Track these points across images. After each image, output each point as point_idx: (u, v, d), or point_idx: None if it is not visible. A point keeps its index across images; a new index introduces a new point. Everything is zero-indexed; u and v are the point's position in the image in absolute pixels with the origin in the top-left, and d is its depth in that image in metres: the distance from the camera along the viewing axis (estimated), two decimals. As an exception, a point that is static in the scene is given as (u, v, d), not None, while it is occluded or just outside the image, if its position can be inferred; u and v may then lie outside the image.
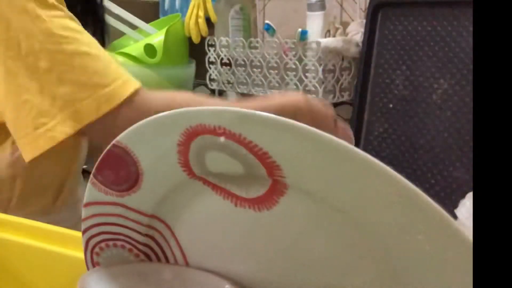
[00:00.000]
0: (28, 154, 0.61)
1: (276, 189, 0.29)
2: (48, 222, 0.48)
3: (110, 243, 0.35)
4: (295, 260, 0.31)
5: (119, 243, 0.35)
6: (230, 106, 0.28)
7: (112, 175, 0.32)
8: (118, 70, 0.64)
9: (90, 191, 0.34)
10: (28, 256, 0.46)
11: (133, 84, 0.64)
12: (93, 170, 0.33)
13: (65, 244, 0.45)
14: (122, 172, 0.32)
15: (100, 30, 0.80)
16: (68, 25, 0.63)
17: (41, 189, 0.73)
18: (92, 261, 0.36)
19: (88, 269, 0.36)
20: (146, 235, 0.35)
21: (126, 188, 0.32)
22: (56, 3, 0.63)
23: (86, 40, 0.64)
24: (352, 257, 0.28)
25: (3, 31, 0.60)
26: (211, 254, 0.34)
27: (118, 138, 0.31)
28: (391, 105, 1.08)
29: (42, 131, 0.60)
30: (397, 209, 0.25)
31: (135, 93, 0.63)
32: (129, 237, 0.35)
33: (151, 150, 0.30)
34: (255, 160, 0.27)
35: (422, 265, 0.25)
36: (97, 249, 0.35)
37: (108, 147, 0.31)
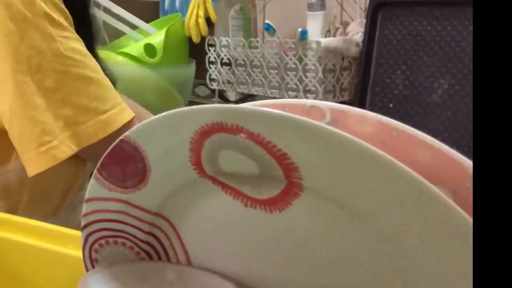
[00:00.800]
0: (31, 170, 0.63)
1: (291, 190, 0.28)
2: (54, 224, 0.48)
3: (111, 240, 0.35)
4: (304, 263, 0.30)
5: (120, 240, 0.35)
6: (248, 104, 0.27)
7: (118, 171, 0.32)
8: (116, 97, 0.67)
9: (93, 186, 0.33)
10: (29, 256, 0.46)
11: (129, 113, 0.67)
12: (98, 165, 0.32)
13: (67, 243, 0.45)
14: (128, 168, 0.31)
15: (88, 27, 0.80)
16: (76, 47, 0.65)
17: (50, 193, 0.74)
18: (90, 258, 0.35)
19: (86, 266, 0.36)
20: (149, 233, 0.34)
21: (132, 185, 0.32)
22: (67, 24, 0.65)
23: (90, 64, 0.66)
24: (367, 261, 0.28)
25: (15, 45, 0.61)
26: (216, 255, 0.34)
27: (127, 133, 0.30)
28: (391, 105, 1.07)
29: (45, 149, 0.62)
30: (419, 213, 0.24)
31: (130, 122, 0.67)
32: (131, 235, 0.34)
33: (161, 147, 0.30)
34: (273, 161, 0.27)
35: (438, 266, 0.25)
36: (96, 246, 0.35)
37: (115, 142, 0.31)
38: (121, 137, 0.30)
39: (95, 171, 0.32)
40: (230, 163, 0.29)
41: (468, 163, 0.26)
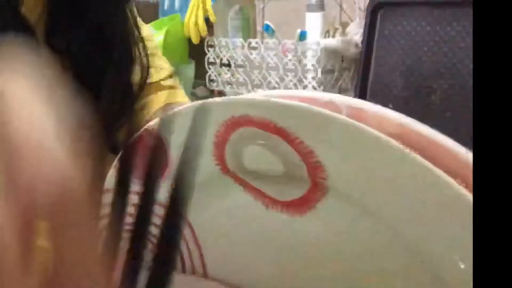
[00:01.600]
0: None
1: (314, 193, 0.27)
2: None
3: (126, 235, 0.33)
4: (324, 269, 0.29)
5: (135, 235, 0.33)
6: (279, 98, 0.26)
7: (138, 162, 0.30)
8: None
9: (112, 177, 0.32)
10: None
11: None
12: (119, 155, 0.31)
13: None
14: (149, 160, 0.30)
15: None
16: None
17: None
18: None
19: None
20: None
21: (151, 178, 0.30)
22: None
23: None
24: (391, 272, 0.26)
25: None
26: (231, 257, 0.32)
27: (151, 123, 0.29)
28: (390, 105, 1.07)
29: None
30: (451, 223, 0.23)
31: None
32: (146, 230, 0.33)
33: (185, 139, 0.28)
34: (298, 159, 0.25)
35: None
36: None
37: (138, 132, 0.30)
38: (145, 127, 0.29)
39: (116, 161, 0.31)
40: (254, 160, 0.27)
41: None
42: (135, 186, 0.31)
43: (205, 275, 0.34)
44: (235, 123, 0.26)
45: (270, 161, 0.27)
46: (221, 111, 0.26)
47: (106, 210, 0.33)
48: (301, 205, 0.28)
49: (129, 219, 0.33)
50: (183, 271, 0.35)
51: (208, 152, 0.28)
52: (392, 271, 0.26)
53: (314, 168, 0.25)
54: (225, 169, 0.29)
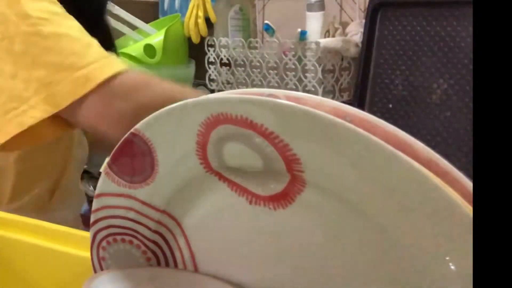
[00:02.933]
0: (0, 139, 0.57)
1: (294, 186, 0.28)
2: (47, 220, 0.48)
3: (118, 237, 0.34)
4: (307, 262, 0.30)
5: (127, 238, 0.34)
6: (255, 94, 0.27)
7: (127, 165, 0.31)
8: (99, 52, 0.59)
9: (103, 181, 0.32)
10: (31, 255, 0.46)
11: (115, 66, 0.58)
12: (109, 159, 0.31)
13: (69, 243, 0.44)
14: (137, 163, 0.31)
15: (107, 34, 0.77)
16: (46, 8, 0.59)
17: (34, 183, 0.72)
18: (98, 256, 0.35)
19: (93, 264, 0.36)
20: (155, 232, 0.34)
21: (140, 180, 0.31)
22: None
23: (65, 22, 0.60)
24: (369, 265, 0.27)
25: None
26: (221, 254, 0.33)
27: (137, 125, 0.29)
28: (390, 105, 1.08)
29: (11, 116, 0.57)
30: (432, 219, 0.23)
31: (117, 75, 0.57)
32: (138, 233, 0.34)
33: (170, 140, 0.29)
34: (275, 153, 0.26)
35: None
36: (104, 243, 0.35)
37: (126, 136, 0.30)
38: (131, 130, 0.30)
39: (106, 165, 0.32)
40: (235, 157, 0.28)
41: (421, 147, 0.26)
42: (124, 189, 0.32)
43: (195, 272, 0.35)
44: (214, 121, 0.27)
45: (249, 157, 0.27)
46: (200, 109, 0.27)
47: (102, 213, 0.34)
48: (282, 198, 0.29)
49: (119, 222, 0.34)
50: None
51: (192, 151, 0.29)
52: (370, 262, 0.27)
53: (290, 161, 0.26)
54: (209, 168, 0.30)
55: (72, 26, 0.60)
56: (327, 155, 0.25)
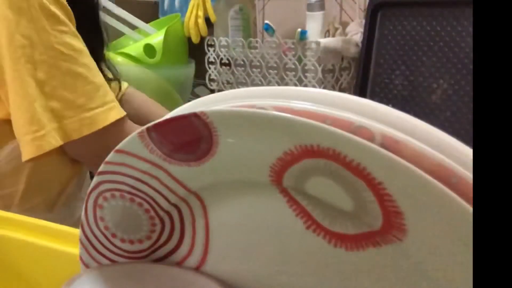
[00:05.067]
0: (23, 156, 0.65)
1: (374, 239, 0.25)
2: (49, 220, 0.48)
3: (127, 195, 0.32)
4: None
5: (137, 199, 0.32)
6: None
7: (171, 139, 0.28)
8: (106, 96, 0.68)
9: (133, 141, 0.29)
10: (30, 254, 0.46)
11: (118, 113, 0.68)
12: (150, 124, 0.28)
13: (68, 242, 0.45)
14: (186, 142, 0.28)
15: (97, 31, 0.81)
16: (70, 42, 0.66)
17: (46, 187, 0.74)
18: (95, 202, 0.32)
19: (86, 212, 0.33)
20: (174, 205, 0.32)
21: (181, 159, 0.28)
22: (64, 18, 0.66)
23: (83, 61, 0.67)
24: None
25: (11, 31, 0.62)
26: (241, 256, 0.31)
27: (205, 110, 0.26)
28: (390, 105, 1.07)
29: (31, 138, 0.63)
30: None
31: (118, 122, 0.67)
32: (153, 200, 0.31)
33: (247, 143, 0.26)
34: (377, 208, 0.23)
35: None
36: (107, 194, 0.32)
37: (186, 112, 0.27)
38: (196, 111, 0.26)
39: (142, 128, 0.29)
40: (321, 191, 0.25)
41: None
42: (156, 158, 0.29)
43: (196, 269, 0.34)
44: (317, 152, 0.24)
45: (340, 200, 0.25)
46: (304, 134, 0.24)
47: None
48: (350, 241, 0.26)
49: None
50: (179, 260, 0.34)
51: (267, 162, 0.26)
52: None
53: (392, 214, 0.24)
54: (277, 182, 0.27)
55: (86, 65, 0.68)
56: (436, 215, 0.23)
